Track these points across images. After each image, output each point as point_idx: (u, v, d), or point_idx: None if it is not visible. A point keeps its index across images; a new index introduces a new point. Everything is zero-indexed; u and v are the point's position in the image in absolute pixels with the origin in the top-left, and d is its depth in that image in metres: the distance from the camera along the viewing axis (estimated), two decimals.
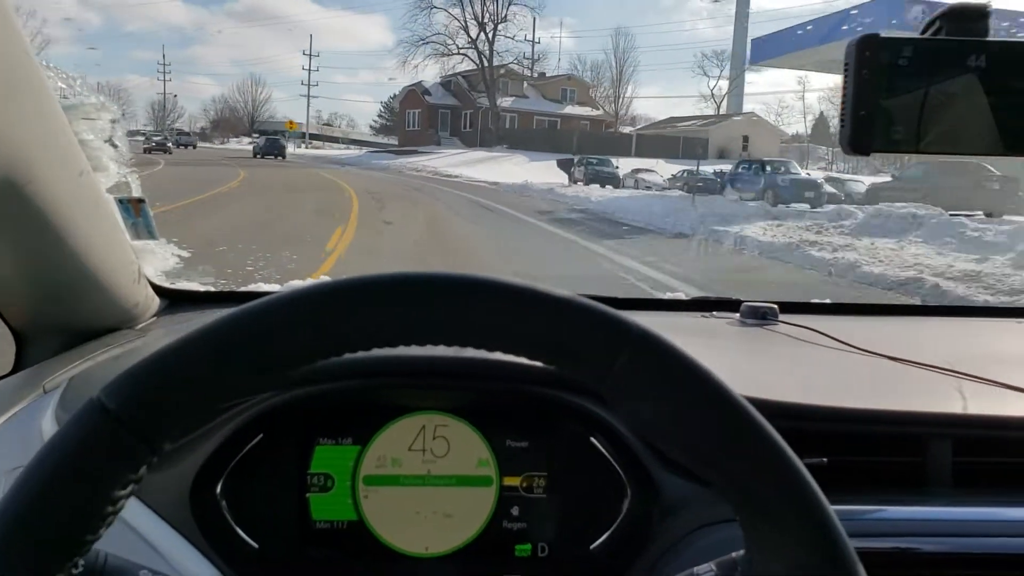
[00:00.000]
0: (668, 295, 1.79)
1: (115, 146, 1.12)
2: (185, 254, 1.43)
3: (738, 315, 1.48)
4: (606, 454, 0.92)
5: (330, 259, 8.92)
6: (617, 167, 32.73)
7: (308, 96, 78.36)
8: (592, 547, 0.91)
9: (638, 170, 33.05)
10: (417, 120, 65.29)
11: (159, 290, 1.37)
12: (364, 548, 0.91)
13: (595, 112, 63.92)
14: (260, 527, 0.89)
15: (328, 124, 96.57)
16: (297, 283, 0.50)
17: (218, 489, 0.88)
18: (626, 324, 0.49)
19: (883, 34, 0.76)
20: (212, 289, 1.55)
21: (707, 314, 1.54)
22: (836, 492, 0.86)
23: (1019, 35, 0.80)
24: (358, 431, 0.93)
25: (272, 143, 52.42)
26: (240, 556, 0.86)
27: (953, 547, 0.86)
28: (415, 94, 65.66)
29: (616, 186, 29.50)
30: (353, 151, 62.52)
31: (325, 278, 0.51)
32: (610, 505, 0.92)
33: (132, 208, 1.26)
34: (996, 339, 1.49)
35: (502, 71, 60.33)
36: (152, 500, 0.83)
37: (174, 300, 1.41)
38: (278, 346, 0.48)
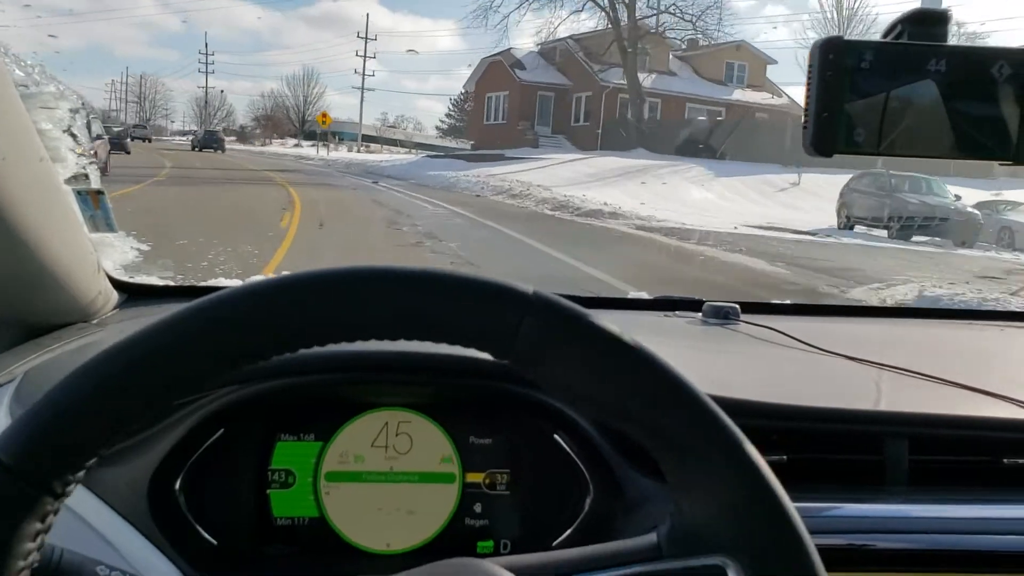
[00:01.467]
0: (631, 294, 1.80)
1: (74, 136, 1.10)
2: (144, 247, 1.40)
3: (700, 315, 1.49)
4: (569, 451, 0.92)
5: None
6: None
7: (362, 89, 66.00)
8: (554, 544, 0.91)
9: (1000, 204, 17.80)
10: (502, 108, 42.16)
11: (118, 284, 1.34)
12: (325, 545, 0.90)
13: (774, 100, 39.01)
14: (219, 523, 0.88)
15: (393, 126, 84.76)
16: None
17: (177, 485, 0.87)
18: (521, 292, 0.48)
19: (846, 37, 0.78)
20: (171, 283, 1.53)
21: (669, 313, 1.55)
22: (795, 489, 0.87)
23: (978, 41, 0.82)
24: (320, 427, 0.92)
25: (211, 136, 52.37)
26: (199, 553, 0.85)
27: (908, 543, 0.88)
28: (500, 69, 41.63)
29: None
30: (411, 156, 45.48)
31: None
32: (573, 502, 0.92)
33: (91, 200, 1.23)
34: (954, 341, 1.52)
35: (645, 33, 35.82)
36: (108, 495, 0.82)
37: (133, 294, 1.39)
38: (158, 374, 0.46)
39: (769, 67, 41.54)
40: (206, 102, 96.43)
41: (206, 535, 0.87)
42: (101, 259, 1.27)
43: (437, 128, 79.30)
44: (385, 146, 67.19)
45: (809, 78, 0.78)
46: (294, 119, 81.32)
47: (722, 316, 1.45)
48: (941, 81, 0.77)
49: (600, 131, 37.26)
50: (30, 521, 0.45)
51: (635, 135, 33.25)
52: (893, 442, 0.95)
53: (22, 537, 0.45)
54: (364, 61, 66.47)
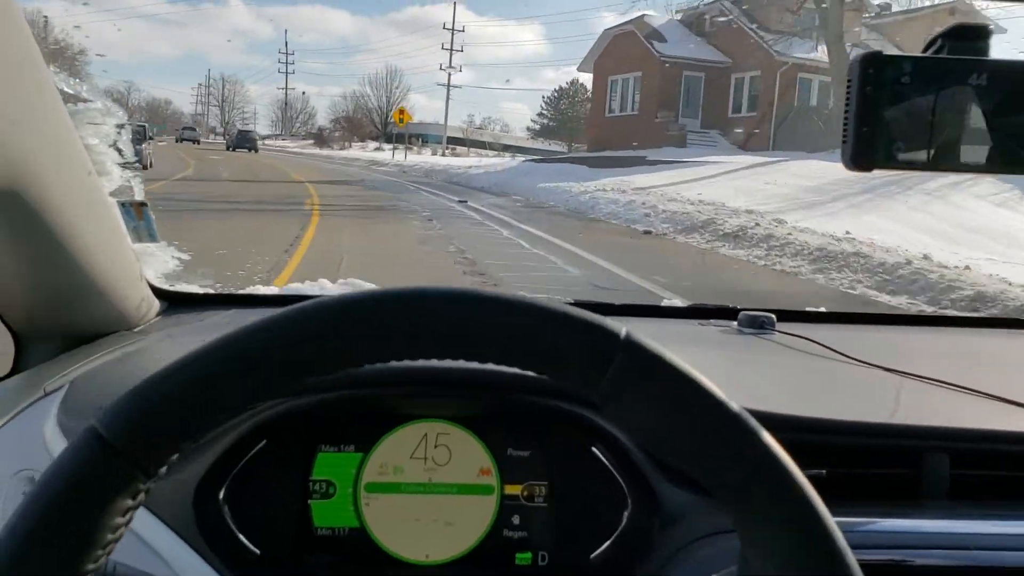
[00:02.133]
0: (665, 302, 1.80)
1: (119, 151, 1.13)
2: (185, 257, 1.43)
3: (735, 323, 1.48)
4: (607, 464, 0.92)
5: None
6: None
7: (448, 86, 60.70)
8: (592, 556, 0.91)
9: None
10: (632, 95, 32.51)
11: (159, 292, 1.37)
12: (365, 555, 0.91)
13: None
14: (262, 533, 0.90)
15: (480, 128, 79.20)
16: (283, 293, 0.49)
17: (221, 495, 0.88)
18: (615, 331, 0.49)
19: (886, 52, 0.77)
20: (211, 291, 1.55)
21: (704, 322, 1.54)
22: (834, 504, 0.87)
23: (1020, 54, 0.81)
24: (360, 438, 0.93)
25: (243, 136, 52.76)
26: (242, 561, 0.86)
27: (949, 560, 0.87)
28: (630, 43, 31.85)
29: None
30: (503, 159, 35.56)
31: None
32: (611, 515, 0.92)
33: (134, 211, 1.26)
34: (995, 351, 1.50)
35: None
36: (156, 506, 0.84)
37: (174, 302, 1.41)
38: (266, 368, 0.48)
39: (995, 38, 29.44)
40: (286, 103, 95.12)
41: (249, 544, 0.89)
42: (143, 268, 1.29)
43: (528, 129, 74.58)
44: (472, 148, 60.34)
45: (848, 92, 0.78)
46: (376, 121, 75.53)
47: (758, 325, 1.45)
48: (983, 95, 0.77)
49: (774, 124, 27.77)
50: (123, 497, 0.47)
51: (827, 130, 24.13)
52: (933, 456, 0.94)
53: (115, 511, 0.46)
54: (451, 51, 61.87)
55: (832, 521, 0.49)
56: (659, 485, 0.91)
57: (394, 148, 46.19)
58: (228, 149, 50.87)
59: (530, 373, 0.50)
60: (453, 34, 61.95)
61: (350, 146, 68.09)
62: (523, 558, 0.93)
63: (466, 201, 17.15)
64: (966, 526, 0.90)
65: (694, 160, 21.68)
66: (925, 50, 0.79)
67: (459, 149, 58.68)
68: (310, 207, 14.48)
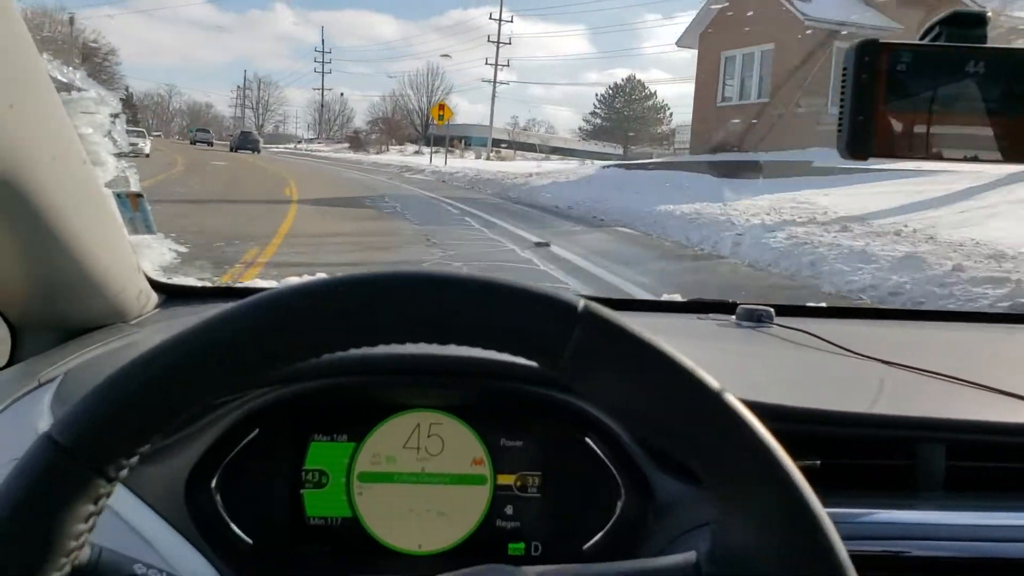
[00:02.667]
0: (664, 296, 1.80)
1: (114, 140, 1.12)
2: (183, 249, 1.43)
3: (734, 317, 1.48)
4: (600, 454, 0.92)
5: None
6: None
7: (495, 81, 57.56)
8: (585, 547, 0.91)
9: None
10: (758, 75, 23.76)
11: (156, 285, 1.37)
12: (358, 545, 0.91)
13: None
14: (254, 522, 0.89)
15: (525, 130, 76.24)
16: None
17: (213, 484, 0.88)
18: (571, 304, 0.48)
19: (882, 39, 0.77)
20: (209, 284, 1.55)
21: (703, 316, 1.54)
22: (829, 495, 0.87)
23: (1017, 42, 0.80)
24: (353, 428, 0.93)
25: (245, 137, 52.91)
26: (234, 551, 0.86)
27: (944, 551, 0.86)
28: (758, 2, 22.56)
29: None
30: (562, 163, 31.37)
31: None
32: (604, 505, 0.92)
33: (130, 202, 1.26)
34: (992, 344, 1.50)
35: None
36: (147, 494, 0.83)
37: (172, 295, 1.41)
38: (218, 365, 0.47)
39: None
40: (322, 105, 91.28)
41: (241, 534, 0.88)
42: (140, 260, 1.29)
43: (580, 130, 70.36)
44: (518, 152, 56.33)
45: (844, 80, 0.77)
46: (416, 123, 71.36)
47: (755, 319, 1.44)
48: (981, 83, 0.77)
49: None
50: (84, 502, 0.46)
51: None
52: (929, 448, 0.94)
53: (76, 517, 0.46)
54: (498, 42, 58.56)
55: (800, 476, 0.48)
56: (652, 475, 0.91)
57: (433, 151, 41.47)
58: (231, 150, 50.83)
59: (518, 359, 0.50)
60: (500, 23, 58.82)
61: (387, 149, 63.75)
62: (516, 548, 0.93)
63: (548, 245, 9.89)
64: (961, 517, 0.89)
65: (905, 169, 12.63)
66: (922, 38, 0.79)
67: (504, 152, 55.11)
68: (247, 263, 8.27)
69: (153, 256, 1.36)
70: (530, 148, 58.78)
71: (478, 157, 46.43)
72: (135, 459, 0.47)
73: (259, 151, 50.61)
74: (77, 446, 0.45)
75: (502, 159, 45.84)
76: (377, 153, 60.18)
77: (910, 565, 0.86)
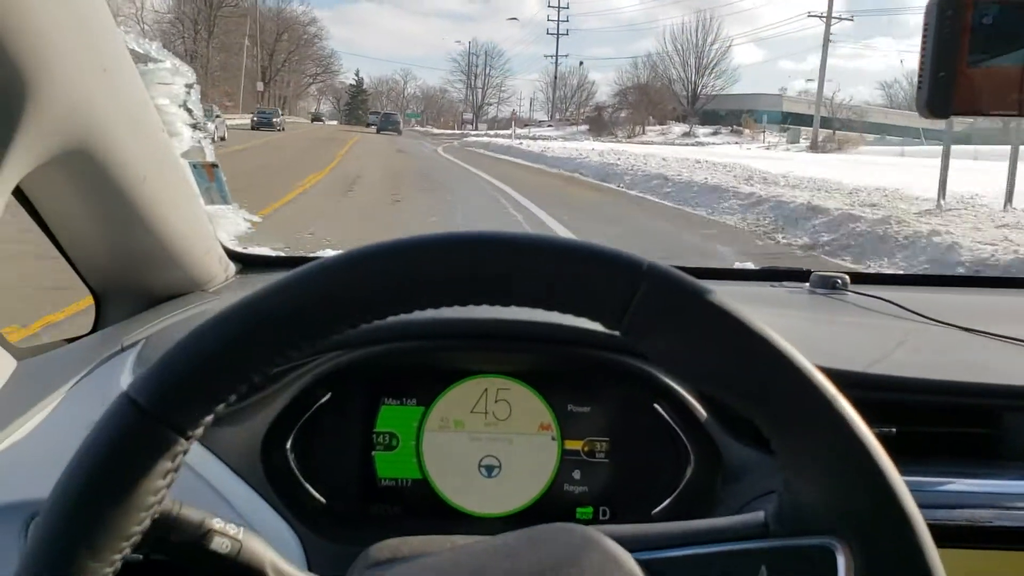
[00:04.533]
0: (736, 265, 1.77)
1: (189, 111, 1.15)
2: (257, 219, 1.45)
3: (807, 284, 1.45)
4: (669, 420, 0.91)
5: None
6: None
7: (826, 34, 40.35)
8: (654, 512, 0.91)
9: None
10: None
11: (232, 254, 1.40)
12: (428, 506, 0.93)
13: None
14: (327, 483, 0.91)
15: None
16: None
17: (288, 445, 0.90)
18: (636, 262, 0.47)
19: None
20: (283, 254, 1.58)
21: (776, 284, 1.51)
22: (906, 463, 0.85)
23: None
24: (422, 392, 0.94)
25: (387, 119, 54.52)
26: (308, 510, 0.88)
27: None
28: None
29: None
30: None
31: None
32: (672, 471, 0.92)
33: (206, 173, 1.29)
34: None
35: None
36: (225, 454, 0.86)
37: (247, 264, 1.44)
38: (289, 326, 0.48)
39: None
40: (555, 77, 77.72)
41: (315, 493, 0.91)
42: (216, 230, 1.32)
43: None
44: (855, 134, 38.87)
45: (925, 36, 0.75)
46: (680, 93, 52.48)
47: (830, 286, 1.41)
48: None
49: None
50: (162, 459, 0.47)
51: None
52: (1012, 416, 0.91)
53: (155, 474, 0.47)
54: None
55: (872, 438, 0.47)
56: (722, 441, 0.90)
57: (712, 132, 24.54)
58: (376, 132, 53.78)
59: (585, 322, 0.49)
60: None
61: (642, 131, 47.63)
62: (584, 512, 0.93)
63: None
64: None
65: None
66: None
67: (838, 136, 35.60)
68: None
69: (228, 226, 1.39)
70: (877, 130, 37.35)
71: (792, 142, 31.36)
72: (210, 418, 0.48)
73: (400, 132, 52.97)
74: (155, 405, 0.47)
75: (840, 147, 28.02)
76: (628, 138, 44.43)
77: (992, 535, 0.84)
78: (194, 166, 1.23)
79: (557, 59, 74.30)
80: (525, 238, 0.48)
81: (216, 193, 1.35)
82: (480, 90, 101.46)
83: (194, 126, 1.17)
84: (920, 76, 0.75)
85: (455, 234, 0.49)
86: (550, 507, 0.93)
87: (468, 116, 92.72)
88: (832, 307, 1.34)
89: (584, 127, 57.41)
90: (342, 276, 0.48)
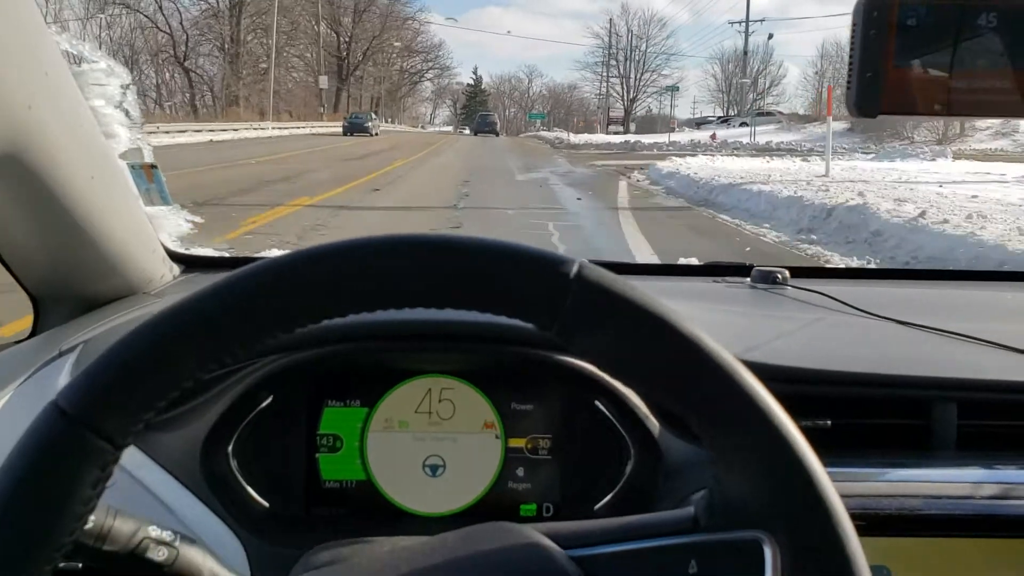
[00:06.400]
0: (681, 260, 1.79)
1: (126, 112, 1.13)
2: (199, 219, 1.44)
3: (748, 280, 1.48)
4: (609, 416, 0.93)
5: None
6: None
7: None
8: (596, 507, 0.92)
9: None
10: None
11: (175, 256, 1.38)
12: (372, 507, 0.93)
13: None
14: (270, 486, 0.91)
15: None
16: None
17: (229, 449, 0.89)
18: (566, 263, 0.48)
19: None
20: (227, 255, 1.56)
21: (718, 279, 1.54)
22: (841, 455, 0.87)
23: None
24: (365, 393, 0.94)
25: (483, 120, 51.65)
26: (251, 514, 0.88)
27: (956, 509, 0.87)
28: None
29: None
30: None
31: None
32: (614, 467, 0.93)
33: (145, 174, 1.27)
34: (1007, 303, 1.49)
35: None
36: (164, 459, 0.85)
37: (190, 265, 1.42)
38: (220, 333, 0.47)
39: None
40: (744, 52, 54.01)
41: (258, 497, 0.90)
42: (158, 231, 1.30)
43: None
44: None
45: (853, 36, 0.76)
46: None
47: (770, 281, 1.44)
48: (992, 37, 0.75)
49: None
50: (91, 469, 0.47)
51: None
52: (941, 406, 0.94)
53: (83, 483, 0.47)
54: None
55: (797, 434, 0.48)
56: (661, 437, 0.91)
57: None
58: (473, 134, 51.27)
59: (513, 320, 0.50)
60: None
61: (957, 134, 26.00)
62: (528, 510, 0.94)
63: None
64: (973, 475, 0.89)
65: None
66: None
67: None
68: None
69: (169, 227, 1.37)
70: None
71: None
72: (141, 426, 0.48)
73: (498, 134, 49.42)
74: (83, 413, 0.46)
75: None
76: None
77: (923, 523, 0.87)
78: (132, 167, 1.21)
79: (748, 25, 47.76)
80: (459, 240, 0.48)
81: (156, 194, 1.33)
82: (629, 78, 79.77)
83: (130, 127, 1.15)
84: (849, 75, 0.77)
85: (391, 237, 0.48)
86: (495, 505, 0.93)
87: (617, 112, 67.50)
88: (771, 302, 1.37)
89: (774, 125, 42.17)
90: (274, 280, 0.48)
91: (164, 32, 51.45)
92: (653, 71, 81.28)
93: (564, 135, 45.70)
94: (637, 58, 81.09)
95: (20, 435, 0.81)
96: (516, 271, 0.48)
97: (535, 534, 0.54)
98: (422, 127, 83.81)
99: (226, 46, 53.57)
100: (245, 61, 53.92)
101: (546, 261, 0.48)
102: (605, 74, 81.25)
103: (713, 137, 34.55)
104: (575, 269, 0.48)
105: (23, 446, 0.46)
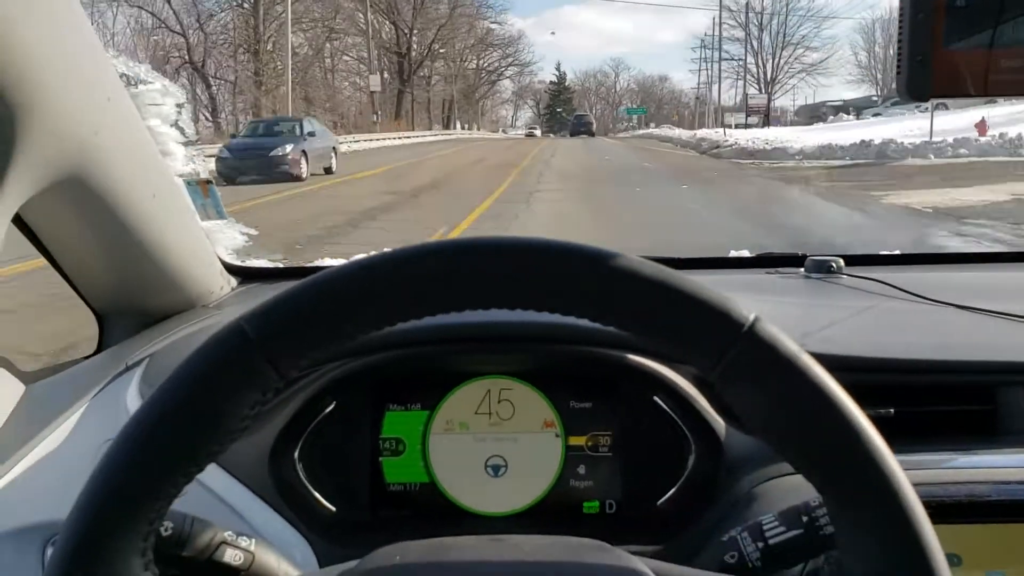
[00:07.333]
0: (732, 253, 1.78)
1: (181, 130, 1.16)
2: (253, 231, 1.47)
3: (802, 269, 1.46)
4: (669, 411, 0.93)
5: None
6: None
7: None
8: (659, 503, 0.92)
9: None
10: None
11: (231, 268, 1.41)
12: (436, 508, 0.94)
13: None
14: (336, 490, 0.93)
15: None
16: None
17: (295, 455, 0.91)
18: (741, 316, 0.48)
19: None
20: (280, 265, 1.59)
21: (771, 270, 1.52)
22: (905, 443, 0.86)
23: None
24: (425, 396, 0.95)
25: (580, 120, 49.20)
26: (318, 518, 0.90)
27: None
28: None
29: None
30: None
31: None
32: (675, 461, 0.93)
33: (200, 190, 1.30)
34: None
35: None
36: (234, 467, 0.87)
37: (246, 277, 1.45)
38: (404, 296, 0.50)
39: None
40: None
41: (324, 501, 0.92)
42: (214, 245, 1.33)
43: None
44: None
45: (901, 19, 0.75)
46: None
47: (825, 270, 1.42)
48: None
49: None
50: (254, 392, 0.49)
51: None
52: (1006, 391, 0.92)
53: (245, 404, 0.49)
54: None
55: (936, 542, 0.47)
56: (722, 430, 0.91)
57: None
58: (570, 135, 48.19)
59: (607, 328, 0.50)
60: None
61: None
62: (591, 506, 0.94)
63: None
64: None
65: None
66: None
67: None
68: None
69: (225, 240, 1.40)
70: None
71: None
72: (304, 364, 0.50)
73: (593, 134, 46.65)
74: (262, 338, 0.49)
75: None
76: None
77: (993, 510, 0.85)
78: (189, 184, 1.25)
79: None
80: (643, 268, 0.49)
81: (212, 209, 1.37)
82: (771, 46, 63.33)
83: (186, 144, 1.18)
84: (899, 60, 0.76)
85: (578, 246, 0.49)
86: (557, 503, 0.94)
87: (757, 97, 47.15)
88: (827, 291, 1.35)
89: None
90: (462, 259, 0.49)
91: (176, 32, 40.75)
92: (797, 44, 65.96)
93: (708, 134, 33.21)
94: (776, 28, 65.76)
95: (94, 449, 0.84)
96: (694, 310, 0.48)
97: (641, 566, 0.54)
98: (503, 131, 79.12)
99: (250, 46, 42.17)
100: (266, 63, 42.02)
101: (724, 308, 0.48)
102: (717, 54, 64.12)
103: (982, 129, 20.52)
104: (749, 322, 0.48)
105: (200, 353, 0.49)
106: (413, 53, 60.13)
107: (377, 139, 37.95)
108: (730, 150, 24.67)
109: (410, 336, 0.93)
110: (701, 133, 33.07)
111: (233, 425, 0.49)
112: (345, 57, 54.41)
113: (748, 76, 64.15)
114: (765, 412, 0.49)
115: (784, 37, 65.59)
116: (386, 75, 57.04)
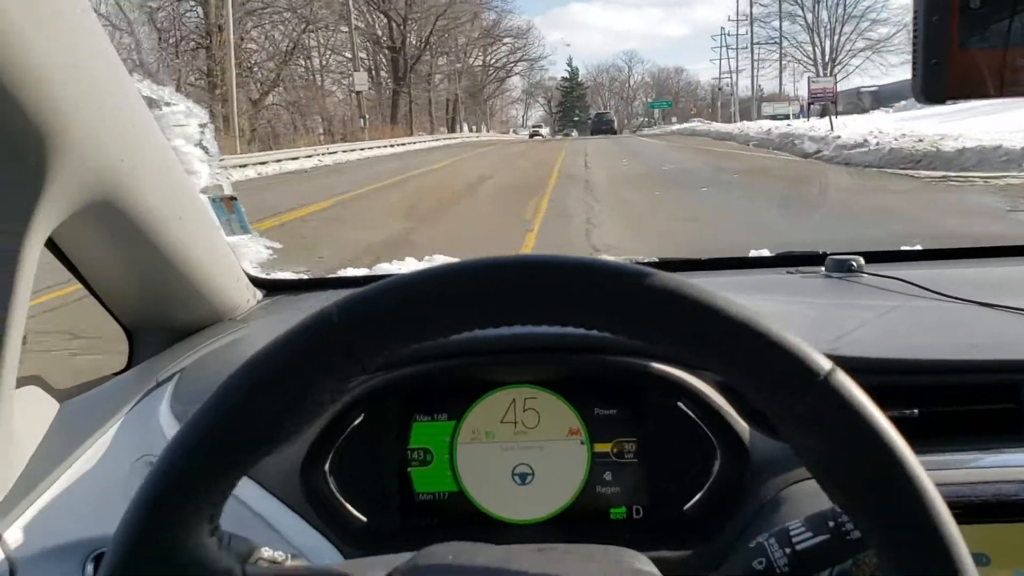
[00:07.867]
0: (752, 253, 1.78)
1: (205, 148, 1.18)
2: (277, 245, 1.49)
3: (823, 268, 1.46)
4: (694, 417, 0.93)
5: None
6: None
7: None
8: (685, 508, 0.93)
9: None
10: None
11: (256, 281, 1.43)
12: (466, 517, 0.95)
13: None
14: (367, 501, 0.94)
15: None
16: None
17: (326, 468, 0.93)
18: (817, 365, 0.49)
19: None
20: (304, 277, 1.61)
21: (792, 270, 1.52)
22: (929, 443, 0.86)
23: None
24: (451, 407, 0.96)
25: (600, 119, 47.89)
26: (350, 529, 0.91)
27: None
28: None
29: None
30: None
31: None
32: (701, 467, 0.93)
33: (225, 206, 1.32)
34: None
35: None
36: (267, 480, 0.89)
37: (271, 290, 1.47)
38: (483, 306, 0.51)
39: None
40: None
41: (356, 512, 0.93)
42: (239, 259, 1.35)
43: None
44: None
45: (915, 22, 0.76)
46: None
47: (845, 269, 1.42)
48: None
49: None
50: (334, 378, 0.51)
51: None
52: None
53: (324, 389, 0.51)
54: None
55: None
56: (747, 434, 0.92)
57: None
58: (591, 134, 47.27)
59: (610, 335, 0.51)
60: None
61: None
62: (618, 513, 0.95)
63: None
64: None
65: None
66: None
67: None
68: None
69: (250, 254, 1.42)
70: None
71: None
72: (381, 358, 0.52)
73: (616, 132, 45.97)
74: (348, 329, 0.50)
75: None
76: None
77: (1019, 509, 0.85)
78: (214, 200, 1.27)
79: None
80: (730, 308, 0.50)
81: (236, 224, 1.39)
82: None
83: (209, 162, 1.20)
84: (914, 62, 0.76)
85: (672, 279, 0.50)
86: (584, 509, 0.95)
87: (821, 80, 31.63)
88: (849, 291, 1.35)
89: None
90: (524, 277, 0.51)
91: (124, 31, 26.61)
92: (861, 16, 54.95)
93: (795, 130, 23.75)
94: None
95: (129, 464, 0.86)
96: (773, 355, 0.49)
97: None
98: (514, 132, 76.36)
99: (201, 40, 33.61)
100: (220, 60, 31.86)
101: (802, 355, 0.49)
102: (749, 35, 57.36)
103: None
104: (825, 372, 0.49)
105: (292, 334, 0.51)
106: (406, 48, 53.15)
107: (361, 149, 30.13)
108: (871, 154, 15.66)
109: (440, 350, 0.94)
110: (783, 129, 24.82)
111: (309, 407, 0.51)
112: (338, 57, 46.99)
113: (802, 57, 58.36)
114: (827, 460, 0.50)
115: (846, 8, 56.91)
116: (383, 73, 53.55)
